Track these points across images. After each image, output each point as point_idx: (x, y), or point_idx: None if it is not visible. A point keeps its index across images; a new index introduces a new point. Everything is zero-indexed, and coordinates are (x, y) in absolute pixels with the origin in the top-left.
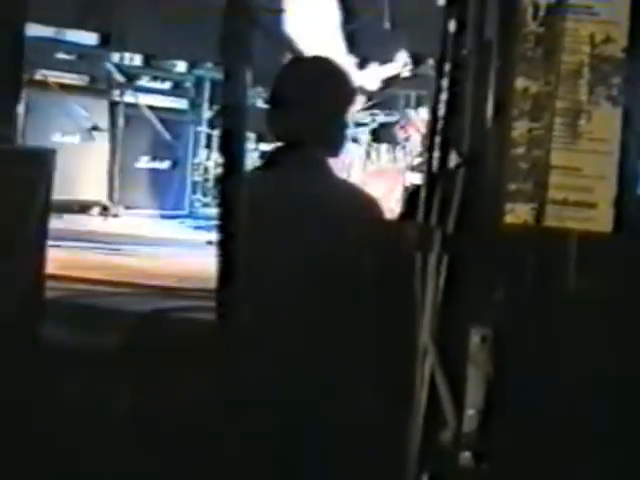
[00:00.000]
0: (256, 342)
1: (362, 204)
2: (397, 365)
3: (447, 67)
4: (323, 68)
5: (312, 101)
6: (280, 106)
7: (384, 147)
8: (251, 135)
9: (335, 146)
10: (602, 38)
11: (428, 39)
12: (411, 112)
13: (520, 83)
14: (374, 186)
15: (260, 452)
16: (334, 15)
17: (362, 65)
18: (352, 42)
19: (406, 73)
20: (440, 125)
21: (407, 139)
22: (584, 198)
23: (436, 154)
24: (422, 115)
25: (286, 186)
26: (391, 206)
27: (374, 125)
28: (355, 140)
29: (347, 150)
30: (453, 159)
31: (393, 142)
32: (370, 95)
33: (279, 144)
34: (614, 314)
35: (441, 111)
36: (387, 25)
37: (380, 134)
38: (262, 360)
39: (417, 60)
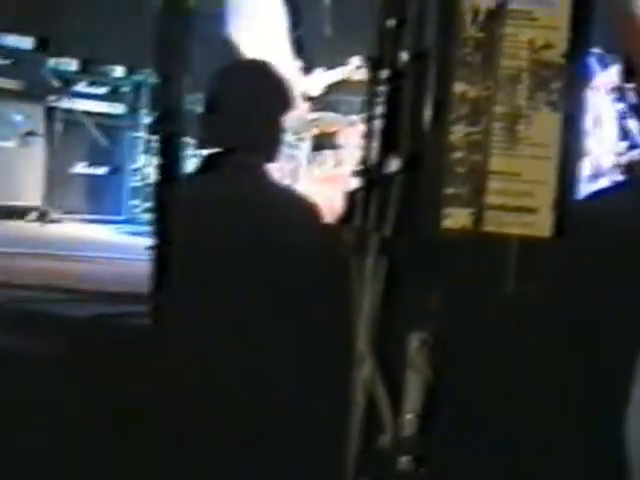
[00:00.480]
0: (192, 346)
1: (299, 209)
2: (335, 370)
3: (385, 71)
4: (259, 73)
5: (248, 106)
6: (216, 111)
7: (330, 152)
8: (191, 140)
9: (272, 152)
10: (542, 43)
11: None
12: (356, 117)
13: (459, 88)
14: (319, 192)
15: (197, 453)
16: (280, 20)
17: (307, 71)
18: (298, 47)
19: (358, 77)
20: (378, 129)
21: (352, 144)
22: (523, 203)
23: (374, 158)
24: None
25: (222, 192)
26: (337, 211)
27: (319, 130)
28: (299, 146)
29: (291, 156)
30: (391, 163)
31: (339, 147)
32: (315, 100)
33: (216, 150)
34: (554, 318)
35: (379, 115)
36: (329, 31)
37: (326, 139)
38: (199, 364)
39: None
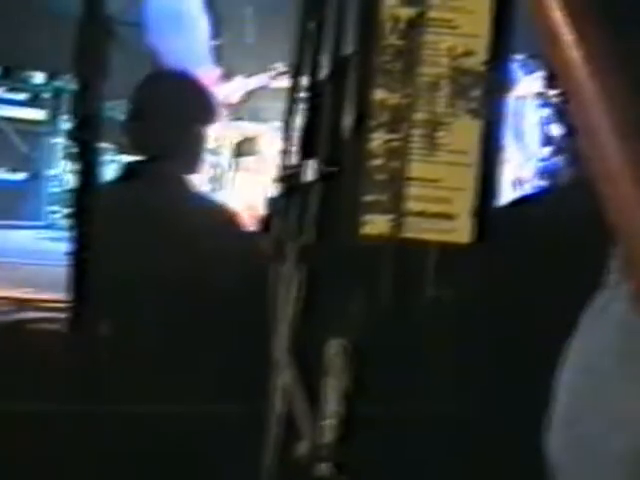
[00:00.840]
0: (111, 353)
1: (219, 217)
2: (254, 377)
3: (305, 78)
4: (181, 81)
5: (170, 114)
6: (139, 119)
7: (252, 159)
8: (112, 147)
9: (193, 160)
10: (462, 51)
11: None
12: (278, 123)
13: (379, 95)
14: (241, 199)
15: (114, 459)
16: (200, 28)
17: (228, 78)
18: (219, 55)
19: (280, 84)
20: (297, 136)
21: (273, 151)
22: (443, 209)
23: (293, 165)
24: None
25: (143, 199)
26: (258, 218)
27: (241, 137)
28: (220, 153)
29: (212, 163)
30: (310, 170)
31: (260, 154)
32: (235, 107)
33: (138, 157)
34: (475, 323)
35: (298, 122)
36: (252, 39)
37: (247, 146)
38: (117, 371)
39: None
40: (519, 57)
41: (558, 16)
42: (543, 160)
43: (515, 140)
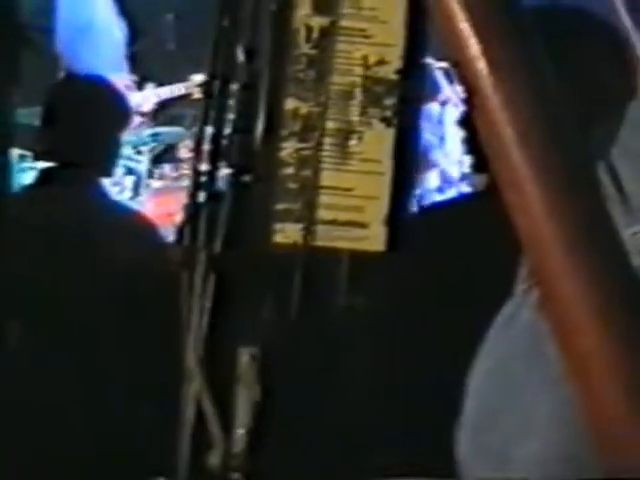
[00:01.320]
0: (20, 363)
1: (133, 224)
2: (165, 386)
3: (217, 86)
4: (95, 87)
5: (84, 121)
6: (53, 125)
7: (168, 167)
8: (26, 154)
9: (108, 166)
10: (375, 60)
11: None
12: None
13: (290, 104)
14: (159, 206)
15: (26, 472)
16: (113, 34)
17: (147, 84)
18: (135, 61)
19: (198, 91)
20: (210, 144)
21: (191, 159)
22: (355, 218)
23: (205, 173)
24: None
25: (57, 206)
26: (174, 226)
27: (157, 145)
28: (138, 160)
29: (130, 169)
30: (222, 178)
31: (179, 161)
32: (153, 114)
33: (52, 163)
34: (387, 331)
35: (211, 130)
36: (172, 46)
37: (166, 153)
38: (26, 381)
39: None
40: (441, 65)
41: (464, 27)
42: (464, 166)
43: (438, 147)
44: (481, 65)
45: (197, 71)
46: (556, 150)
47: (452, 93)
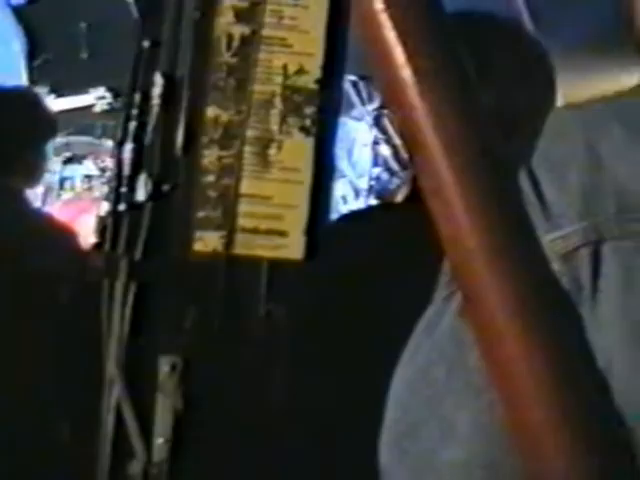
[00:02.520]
0: None
1: (51, 233)
2: (86, 395)
3: (138, 95)
4: (18, 98)
5: (8, 131)
6: None
7: (79, 176)
8: None
9: (33, 176)
10: (295, 69)
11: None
12: (108, 141)
13: (211, 112)
14: (69, 215)
15: None
16: (13, 46)
17: (59, 94)
18: (45, 72)
19: (103, 107)
20: (129, 153)
21: (104, 168)
22: (275, 226)
23: (125, 182)
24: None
25: None
26: (89, 235)
27: (71, 154)
28: (50, 169)
29: (44, 179)
30: (142, 186)
31: (91, 171)
32: (67, 124)
33: None
34: (308, 339)
35: (130, 139)
36: (85, 55)
37: (77, 163)
38: None
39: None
40: (353, 78)
41: (391, 36)
42: (374, 178)
43: (347, 158)
44: (406, 74)
45: (112, 80)
46: (482, 160)
47: (363, 105)
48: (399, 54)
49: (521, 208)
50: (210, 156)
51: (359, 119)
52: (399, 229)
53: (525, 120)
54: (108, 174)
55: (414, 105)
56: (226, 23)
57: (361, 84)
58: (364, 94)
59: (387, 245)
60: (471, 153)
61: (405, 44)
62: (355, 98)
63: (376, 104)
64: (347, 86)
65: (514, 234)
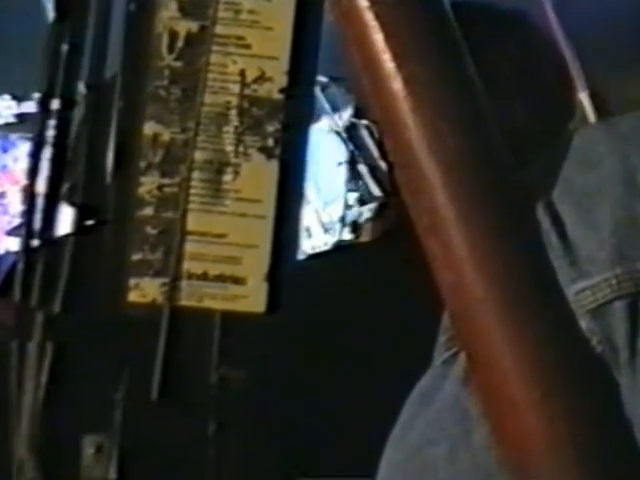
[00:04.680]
0: None
1: None
2: None
3: (55, 105)
4: None
5: None
6: None
7: None
8: None
9: None
10: (255, 75)
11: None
12: (18, 162)
13: (149, 129)
14: None
15: None
16: None
17: None
18: None
19: (9, 120)
20: (45, 178)
21: (2, 194)
22: (230, 271)
23: (39, 214)
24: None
25: None
26: None
27: None
28: None
29: None
30: (62, 221)
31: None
32: None
33: None
34: (268, 412)
35: (46, 160)
36: None
37: None
38: None
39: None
40: (322, 79)
41: (378, 38)
42: (349, 206)
43: (314, 180)
44: (397, 85)
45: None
46: (490, 190)
47: (336, 117)
48: (387, 60)
49: (539, 250)
50: (148, 184)
51: (330, 131)
52: (381, 271)
53: (543, 136)
54: (11, 202)
55: (406, 123)
56: (168, 18)
57: (333, 87)
58: (337, 99)
59: (367, 291)
60: (477, 181)
61: (395, 48)
62: (325, 105)
63: (350, 111)
64: (320, 93)
65: (530, 282)
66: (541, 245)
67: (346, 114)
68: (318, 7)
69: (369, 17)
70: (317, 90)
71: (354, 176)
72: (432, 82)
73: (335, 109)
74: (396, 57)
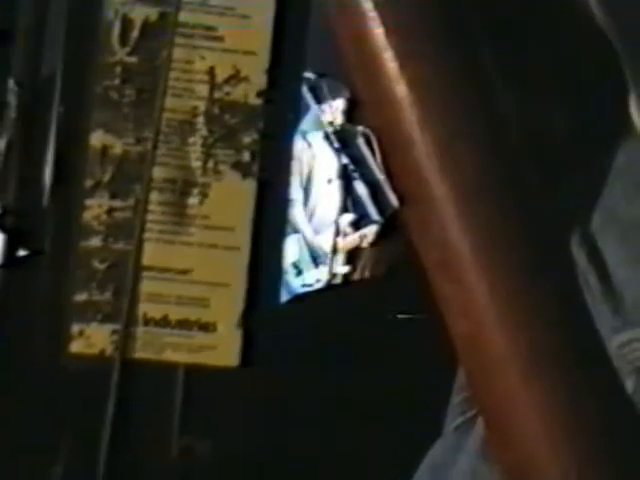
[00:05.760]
0: None
1: None
2: None
3: None
4: None
5: None
6: None
7: None
8: None
9: None
10: (228, 74)
11: None
12: None
13: (97, 139)
14: None
15: None
16: None
17: None
18: None
19: None
20: None
21: None
22: (196, 316)
23: None
24: None
25: None
26: None
27: None
28: None
29: None
30: None
31: None
32: None
33: None
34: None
35: None
36: None
37: None
38: None
39: None
40: (309, 75)
41: (379, 34)
42: (344, 234)
43: (301, 202)
44: (400, 90)
45: None
46: (513, 218)
47: (321, 119)
48: (389, 60)
49: (574, 293)
50: (95, 207)
51: (319, 141)
52: (380, 314)
53: (583, 152)
54: None
55: (412, 139)
56: (121, 2)
57: (323, 85)
58: (327, 101)
59: (364, 341)
60: (497, 209)
61: (398, 45)
62: (313, 107)
63: (344, 115)
64: (310, 94)
65: (563, 334)
66: (576, 287)
67: (339, 118)
68: None
69: (367, 5)
70: (304, 90)
71: (349, 195)
72: (442, 85)
73: (325, 113)
74: (399, 55)
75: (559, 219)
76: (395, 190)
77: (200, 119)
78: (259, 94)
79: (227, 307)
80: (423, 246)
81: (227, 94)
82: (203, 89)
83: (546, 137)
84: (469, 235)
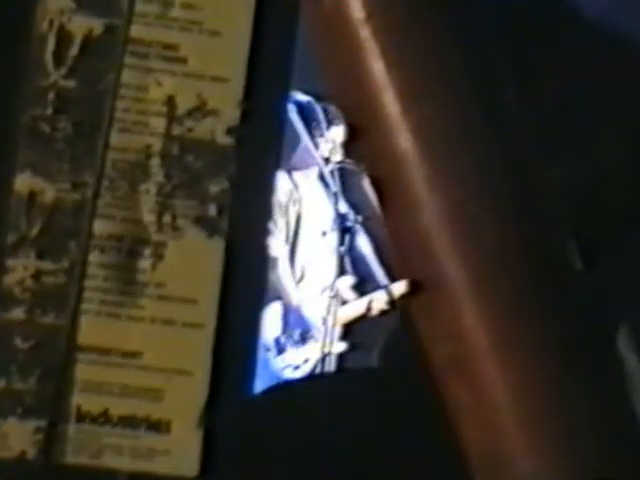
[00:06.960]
0: None
1: None
2: None
3: None
4: None
5: None
6: None
7: None
8: None
9: None
10: (192, 106)
11: None
12: None
13: (23, 182)
14: None
15: None
16: None
17: None
18: None
19: None
20: None
21: None
22: (144, 411)
23: None
24: None
25: None
26: None
27: None
28: None
29: None
30: None
31: None
32: None
33: None
34: None
35: None
36: None
37: None
38: None
39: None
40: (300, 98)
41: (379, 70)
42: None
43: (288, 261)
44: (388, 97)
45: None
46: (538, 301)
47: (314, 155)
48: (378, 70)
49: (622, 402)
50: (19, 270)
51: (311, 182)
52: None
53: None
54: None
55: (420, 204)
56: (58, 10)
57: (317, 111)
58: (322, 131)
59: (358, 442)
60: (522, 294)
61: (402, 83)
62: (304, 138)
63: (342, 149)
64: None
65: (606, 455)
66: (624, 394)
67: (336, 153)
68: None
69: (364, 34)
70: (293, 116)
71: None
72: (454, 134)
73: (319, 146)
74: (404, 96)
75: (603, 305)
76: (401, 271)
77: (155, 161)
78: (229, 131)
79: (185, 401)
80: (432, 339)
81: (189, 130)
82: (159, 123)
83: (595, 192)
84: (488, 325)
